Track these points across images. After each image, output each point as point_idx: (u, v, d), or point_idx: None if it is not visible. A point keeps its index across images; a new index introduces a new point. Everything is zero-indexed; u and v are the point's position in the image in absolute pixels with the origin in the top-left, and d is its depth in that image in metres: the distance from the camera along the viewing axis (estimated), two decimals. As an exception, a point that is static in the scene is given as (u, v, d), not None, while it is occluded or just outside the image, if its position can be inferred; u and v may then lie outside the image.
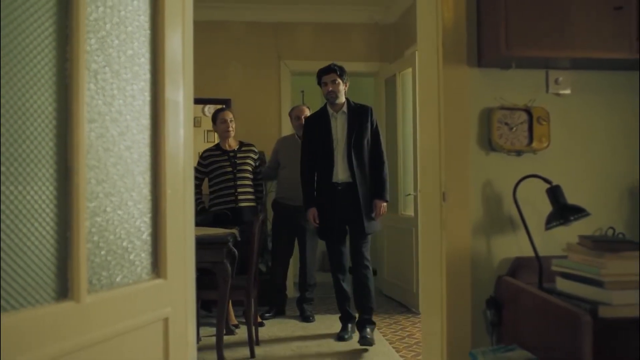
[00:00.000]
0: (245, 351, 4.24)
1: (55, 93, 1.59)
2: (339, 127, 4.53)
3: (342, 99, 4.60)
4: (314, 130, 4.63)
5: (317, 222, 4.54)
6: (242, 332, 4.77)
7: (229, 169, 5.06)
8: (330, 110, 4.60)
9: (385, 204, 4.53)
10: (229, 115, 5.19)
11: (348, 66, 6.43)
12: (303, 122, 5.31)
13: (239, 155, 5.14)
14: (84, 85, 1.65)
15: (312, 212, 4.55)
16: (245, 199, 5.10)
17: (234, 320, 5.01)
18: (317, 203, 4.55)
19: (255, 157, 5.28)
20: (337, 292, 4.73)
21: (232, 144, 5.21)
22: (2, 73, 1.40)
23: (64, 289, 1.60)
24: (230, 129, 5.15)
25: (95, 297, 1.70)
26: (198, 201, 5.05)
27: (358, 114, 4.53)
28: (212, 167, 5.11)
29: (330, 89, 4.53)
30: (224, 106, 5.48)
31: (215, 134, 6.21)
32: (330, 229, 4.55)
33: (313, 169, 4.60)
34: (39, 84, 1.54)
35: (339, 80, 4.55)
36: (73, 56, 1.64)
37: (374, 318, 5.19)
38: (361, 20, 6.56)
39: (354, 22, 6.56)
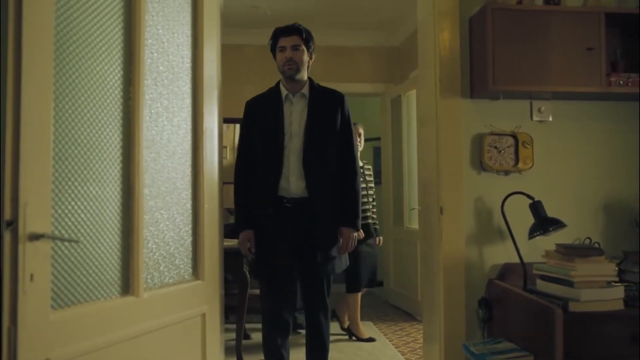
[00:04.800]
0: (261, 355, 4.49)
1: (121, 126, 1.99)
2: (295, 115, 3.07)
3: (305, 75, 3.13)
4: (258, 117, 3.14)
5: (253, 251, 3.06)
6: (256, 337, 5.03)
7: (363, 185, 4.89)
8: (283, 91, 3.13)
9: (355, 234, 3.07)
10: (358, 130, 5.05)
11: (356, 87, 6.84)
12: None
13: (366, 172, 5.09)
14: (142, 119, 2.05)
15: (245, 238, 3.04)
16: (369, 215, 5.00)
17: (365, 334, 5.01)
18: (254, 225, 3.04)
19: (371, 176, 5.21)
20: None
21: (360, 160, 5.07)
22: (85, 111, 1.79)
23: (127, 286, 2.00)
24: (358, 143, 4.96)
25: (150, 293, 2.09)
26: None
27: (323, 99, 3.11)
28: None
29: (290, 56, 3.05)
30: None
31: (228, 150, 6.58)
32: (270, 265, 3.05)
33: (249, 175, 3.09)
34: (110, 120, 1.94)
35: (303, 47, 3.09)
36: (134, 95, 2.04)
37: (380, 326, 5.50)
38: (368, 44, 6.88)
39: (361, 46, 6.87)
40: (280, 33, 3.12)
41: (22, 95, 1.52)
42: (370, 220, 4.95)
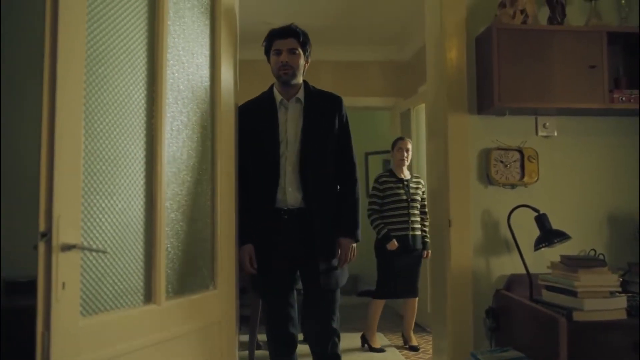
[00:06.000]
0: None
1: (145, 142, 2.09)
2: (290, 122, 2.91)
3: (300, 79, 2.95)
4: (251, 125, 2.88)
5: (255, 267, 2.85)
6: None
7: (404, 197, 4.99)
8: (278, 96, 2.96)
9: (354, 244, 2.89)
10: (406, 145, 5.19)
11: (366, 101, 6.92)
12: None
13: (411, 185, 5.12)
14: (164, 135, 2.15)
15: (246, 252, 2.83)
16: (416, 228, 5.05)
17: (414, 341, 5.20)
18: (253, 239, 2.85)
19: (423, 188, 5.20)
20: None
21: (406, 172, 5.19)
22: (112, 128, 1.90)
23: (149, 294, 2.09)
24: (405, 157, 5.12)
25: (170, 302, 2.18)
26: (381, 226, 4.96)
27: (320, 104, 2.95)
28: (387, 192, 5.02)
29: (285, 60, 2.87)
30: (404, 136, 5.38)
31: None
32: (270, 279, 2.90)
33: (244, 186, 2.82)
34: (134, 136, 2.04)
35: (300, 51, 2.91)
36: (157, 113, 2.14)
37: (390, 336, 5.55)
38: (378, 59, 6.96)
39: (371, 60, 6.95)
40: (275, 35, 2.93)
41: (56, 115, 1.61)
42: (411, 232, 4.93)
